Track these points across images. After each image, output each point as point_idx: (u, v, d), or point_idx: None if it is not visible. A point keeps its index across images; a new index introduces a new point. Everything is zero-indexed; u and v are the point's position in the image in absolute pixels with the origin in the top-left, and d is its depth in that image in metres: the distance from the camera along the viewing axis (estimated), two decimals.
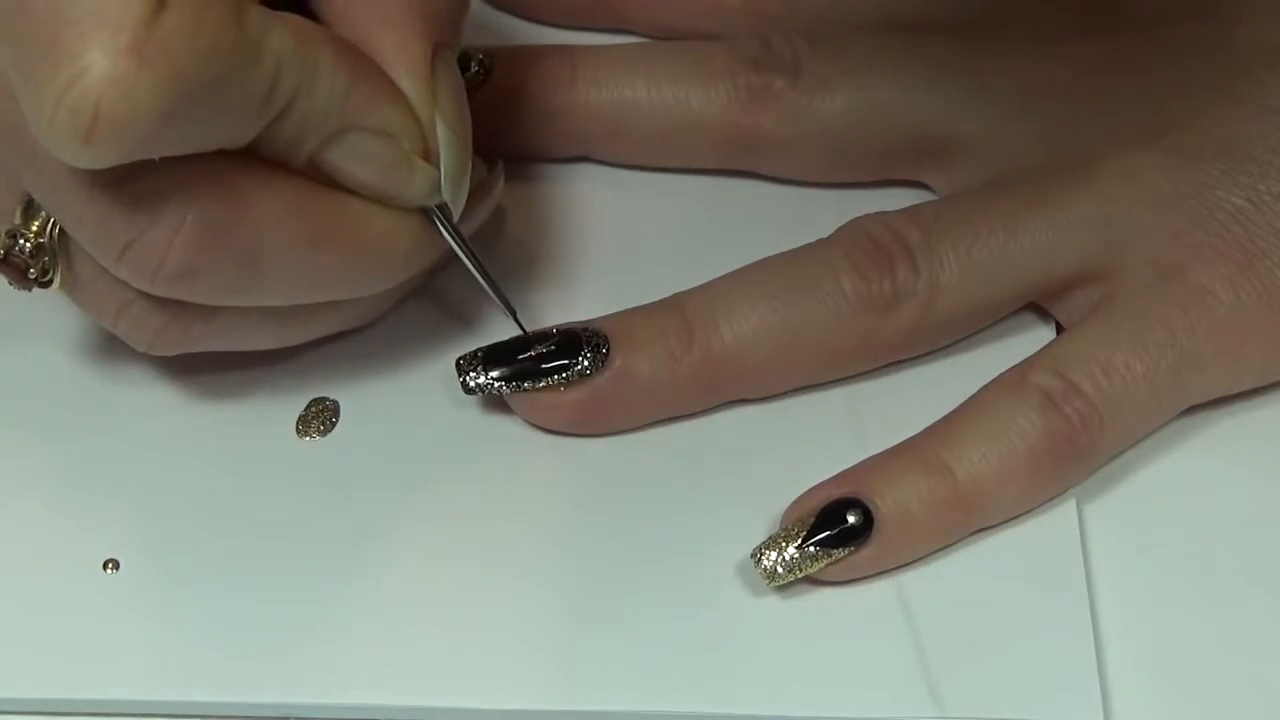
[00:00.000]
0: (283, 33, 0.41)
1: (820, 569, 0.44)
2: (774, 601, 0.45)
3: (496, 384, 0.47)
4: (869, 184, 0.52)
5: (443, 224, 0.46)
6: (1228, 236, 0.46)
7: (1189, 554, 0.46)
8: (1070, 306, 0.48)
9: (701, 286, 0.48)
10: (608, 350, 0.47)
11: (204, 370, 0.49)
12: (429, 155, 0.44)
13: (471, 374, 0.47)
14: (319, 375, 0.49)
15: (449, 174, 0.45)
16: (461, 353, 0.47)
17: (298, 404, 0.48)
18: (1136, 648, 0.44)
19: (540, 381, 0.47)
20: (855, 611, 0.45)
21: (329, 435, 0.48)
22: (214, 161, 0.42)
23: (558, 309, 0.49)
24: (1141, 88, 0.48)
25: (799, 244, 0.48)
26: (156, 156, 0.41)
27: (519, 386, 0.47)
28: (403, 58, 0.44)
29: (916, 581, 0.45)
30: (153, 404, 0.48)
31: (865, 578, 0.45)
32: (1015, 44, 0.50)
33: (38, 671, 0.44)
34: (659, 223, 0.52)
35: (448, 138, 0.44)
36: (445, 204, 0.45)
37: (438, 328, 0.49)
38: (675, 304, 0.48)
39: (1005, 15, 0.51)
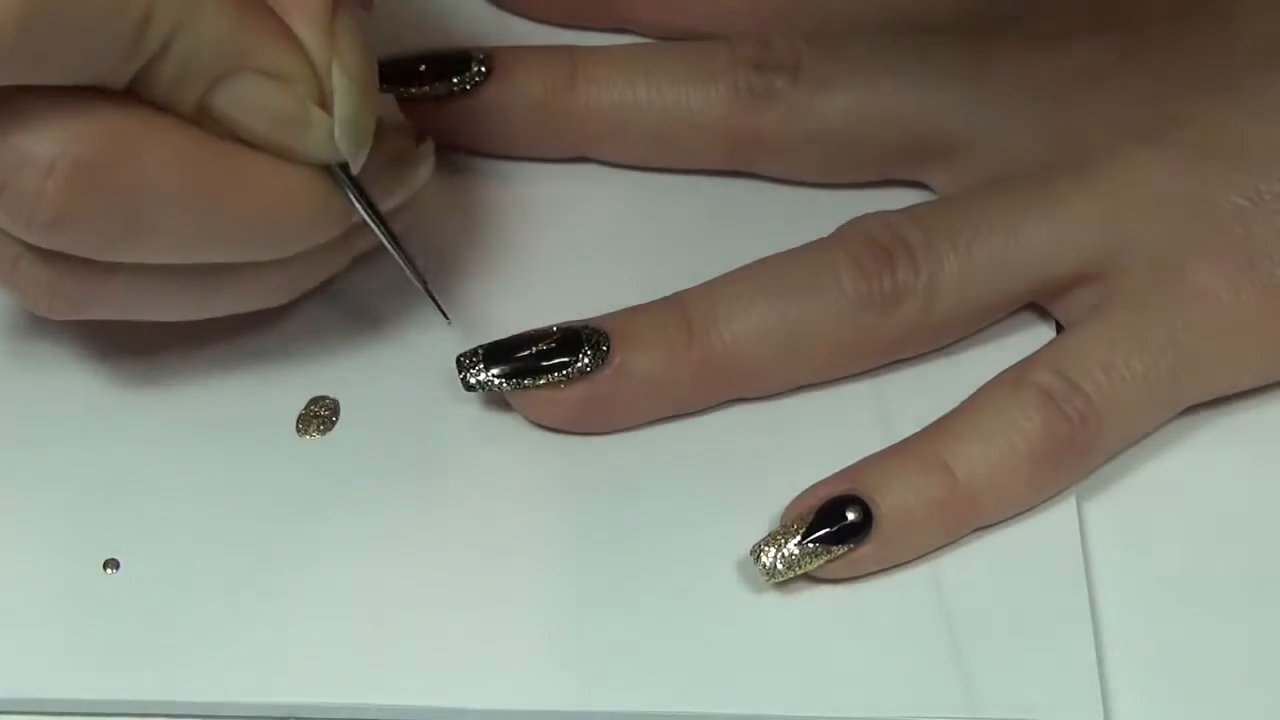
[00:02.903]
0: None
1: (819, 566, 0.44)
2: (773, 600, 0.45)
3: (497, 381, 0.47)
4: (869, 184, 0.51)
5: (348, 185, 0.45)
6: (1229, 236, 0.46)
7: (1189, 553, 0.46)
8: (1070, 306, 0.48)
9: (702, 285, 0.48)
10: (608, 348, 0.47)
11: (204, 370, 0.49)
12: (327, 105, 0.43)
13: (472, 371, 0.47)
14: (318, 374, 0.49)
15: (345, 123, 0.43)
16: (462, 350, 0.47)
17: (297, 402, 0.48)
18: (1137, 647, 0.44)
19: (541, 379, 0.47)
20: (854, 611, 0.45)
21: (329, 434, 0.48)
22: (92, 103, 0.41)
23: (557, 308, 0.49)
24: (1143, 86, 0.48)
25: (799, 243, 0.48)
26: (16, 81, 0.39)
27: (519, 384, 0.47)
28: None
29: (916, 581, 0.45)
30: (152, 403, 0.48)
31: (864, 576, 0.45)
32: (1016, 43, 0.50)
33: (38, 671, 0.44)
34: (658, 222, 0.51)
35: (345, 85, 0.43)
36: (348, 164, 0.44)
37: (438, 325, 0.49)
38: (676, 302, 0.48)
39: (1006, 14, 0.50)
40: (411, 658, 0.44)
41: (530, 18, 0.55)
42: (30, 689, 0.44)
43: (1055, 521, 0.46)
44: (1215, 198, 0.46)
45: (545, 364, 0.47)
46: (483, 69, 0.51)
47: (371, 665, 0.44)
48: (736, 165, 0.51)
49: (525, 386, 0.47)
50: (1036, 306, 0.49)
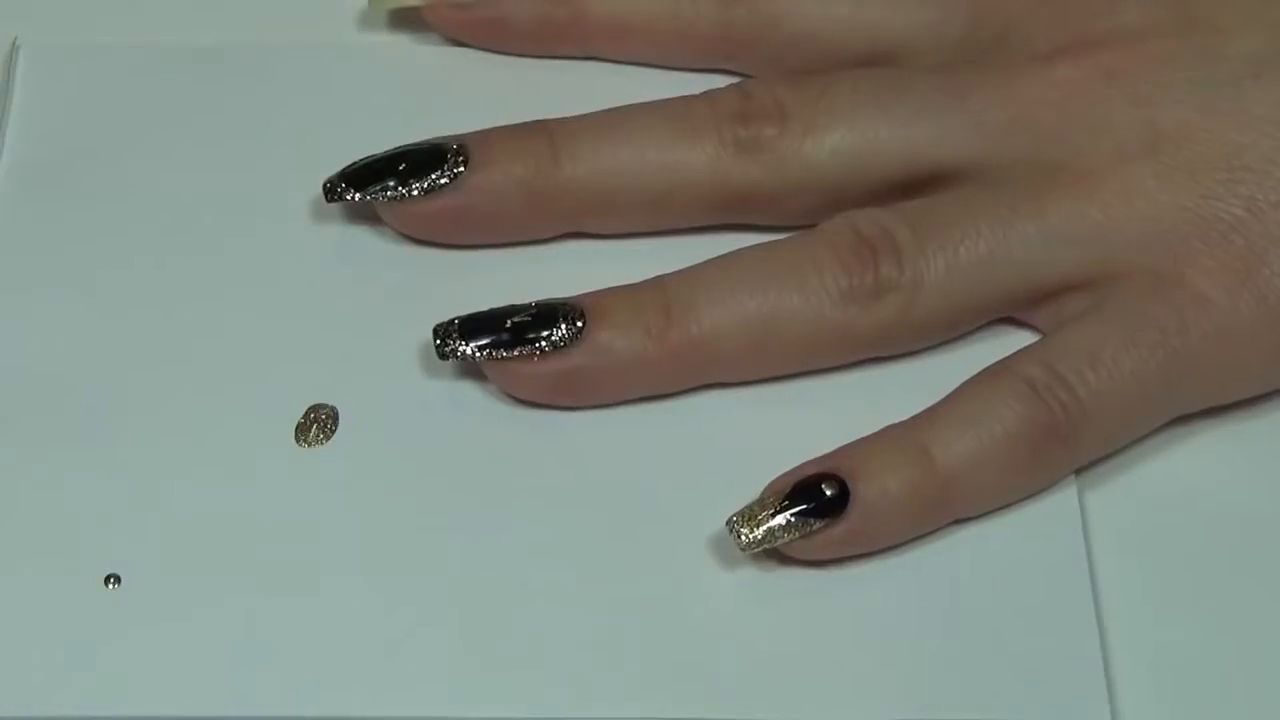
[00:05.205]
0: None
1: (794, 540, 0.45)
2: (769, 598, 0.45)
3: (471, 351, 0.47)
4: None
5: None
6: (1228, 247, 0.47)
7: (1194, 554, 0.46)
8: (1057, 314, 0.48)
9: (685, 270, 0.48)
10: (584, 324, 0.47)
11: (202, 379, 0.48)
12: None
13: (448, 341, 0.47)
14: (317, 381, 0.48)
15: None
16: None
17: (296, 410, 0.48)
18: (1142, 648, 0.45)
19: (515, 350, 0.47)
20: (855, 611, 0.45)
21: (328, 443, 0.47)
22: None
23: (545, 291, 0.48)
24: (1131, 102, 0.48)
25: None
26: None
27: (494, 355, 0.47)
28: None
29: (918, 581, 0.45)
30: (151, 414, 0.48)
31: (869, 576, 0.45)
32: (1001, 66, 0.50)
33: (39, 688, 0.44)
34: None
35: None
36: None
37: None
38: (657, 285, 0.48)
39: (987, 38, 0.51)
40: (412, 666, 0.44)
41: (496, 50, 0.55)
42: (32, 706, 0.43)
43: (1059, 523, 0.46)
44: (1214, 210, 0.47)
45: (520, 336, 0.47)
46: (460, 159, 0.50)
47: (373, 675, 0.44)
48: (730, 220, 0.50)
49: (499, 358, 0.47)
50: None
